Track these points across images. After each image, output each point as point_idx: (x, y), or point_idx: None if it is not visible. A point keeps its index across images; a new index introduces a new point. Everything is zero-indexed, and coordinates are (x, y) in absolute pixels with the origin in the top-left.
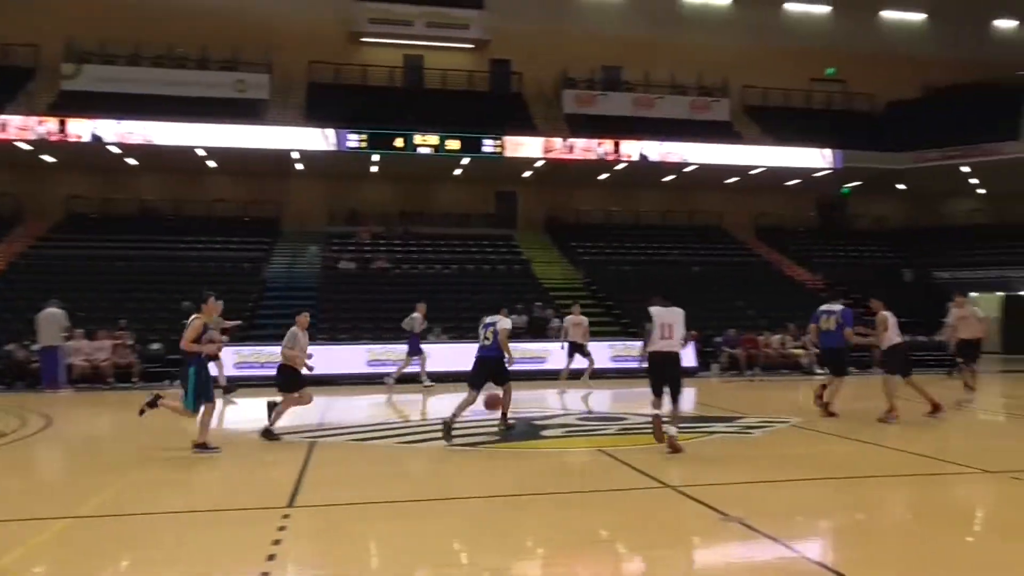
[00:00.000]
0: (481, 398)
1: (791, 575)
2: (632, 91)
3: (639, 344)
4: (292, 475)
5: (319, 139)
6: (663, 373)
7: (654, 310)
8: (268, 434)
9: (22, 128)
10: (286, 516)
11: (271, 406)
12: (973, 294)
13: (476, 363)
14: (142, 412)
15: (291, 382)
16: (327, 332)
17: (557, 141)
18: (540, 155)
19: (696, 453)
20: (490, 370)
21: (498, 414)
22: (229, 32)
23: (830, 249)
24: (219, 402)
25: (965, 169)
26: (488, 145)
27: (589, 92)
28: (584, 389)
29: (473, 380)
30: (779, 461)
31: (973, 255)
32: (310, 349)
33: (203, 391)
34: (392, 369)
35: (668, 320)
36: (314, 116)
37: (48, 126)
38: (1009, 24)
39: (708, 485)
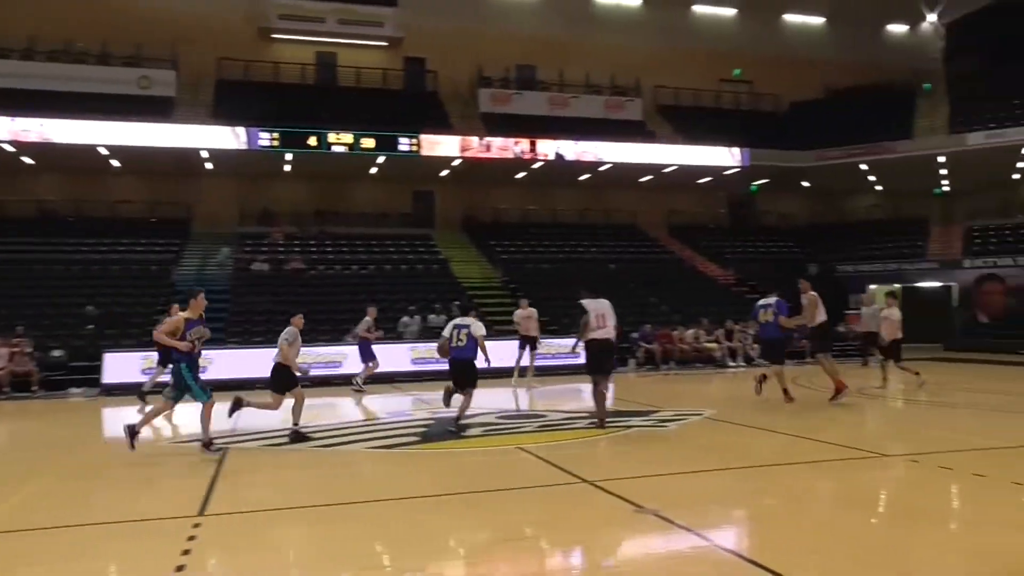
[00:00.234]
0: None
1: (704, 564)
2: (547, 90)
3: (558, 342)
4: (203, 482)
5: (229, 138)
6: (600, 359)
7: (586, 302)
8: (298, 436)
9: None
10: (196, 525)
11: (236, 404)
12: (872, 286)
13: (452, 364)
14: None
15: (284, 382)
16: (240, 335)
17: (474, 140)
18: (457, 154)
19: (614, 447)
20: (463, 370)
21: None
22: (131, 26)
23: (740, 245)
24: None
25: (864, 167)
26: (404, 144)
27: (505, 91)
28: (527, 385)
29: (457, 380)
30: (692, 452)
31: (872, 249)
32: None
33: (195, 386)
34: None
35: (600, 310)
36: (224, 114)
37: None
38: (901, 28)
39: (625, 479)
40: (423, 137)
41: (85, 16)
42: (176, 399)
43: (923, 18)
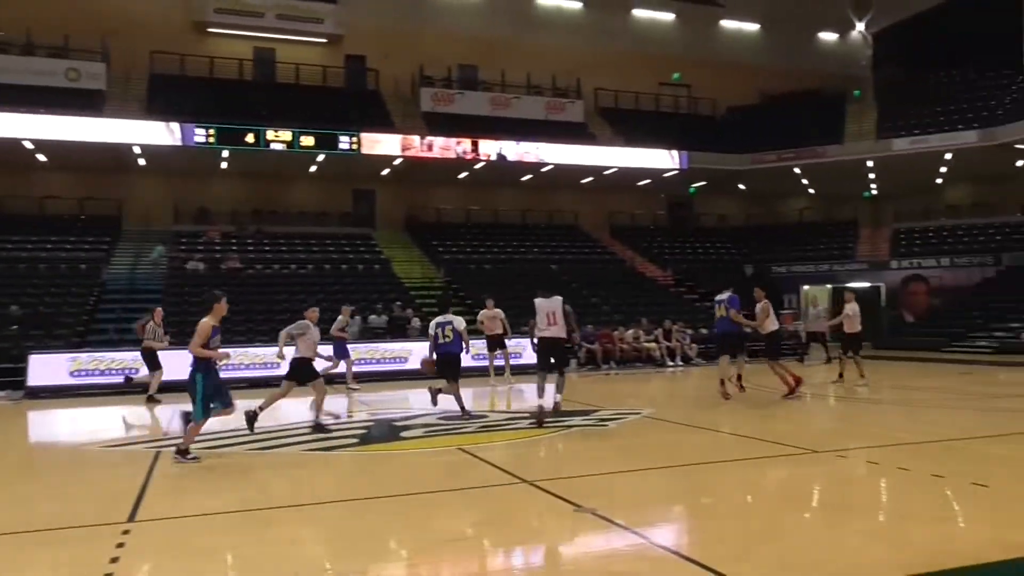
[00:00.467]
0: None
1: (642, 562)
2: (489, 91)
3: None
4: (134, 487)
5: (163, 133)
6: (549, 354)
7: (537, 301)
8: (320, 428)
9: None
10: (126, 532)
11: (250, 417)
12: (806, 287)
13: (439, 358)
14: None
15: (306, 373)
16: (173, 336)
17: (415, 139)
18: (398, 153)
19: (554, 447)
20: (451, 363)
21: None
22: (58, 16)
23: (679, 246)
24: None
25: (797, 171)
26: (344, 142)
27: (446, 91)
28: (506, 384)
29: (446, 374)
30: (631, 451)
31: (805, 250)
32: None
33: (216, 397)
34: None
35: (550, 309)
36: (157, 109)
37: None
38: (832, 36)
39: (564, 478)
40: (363, 135)
41: (8, 4)
42: (227, 404)
43: (852, 27)
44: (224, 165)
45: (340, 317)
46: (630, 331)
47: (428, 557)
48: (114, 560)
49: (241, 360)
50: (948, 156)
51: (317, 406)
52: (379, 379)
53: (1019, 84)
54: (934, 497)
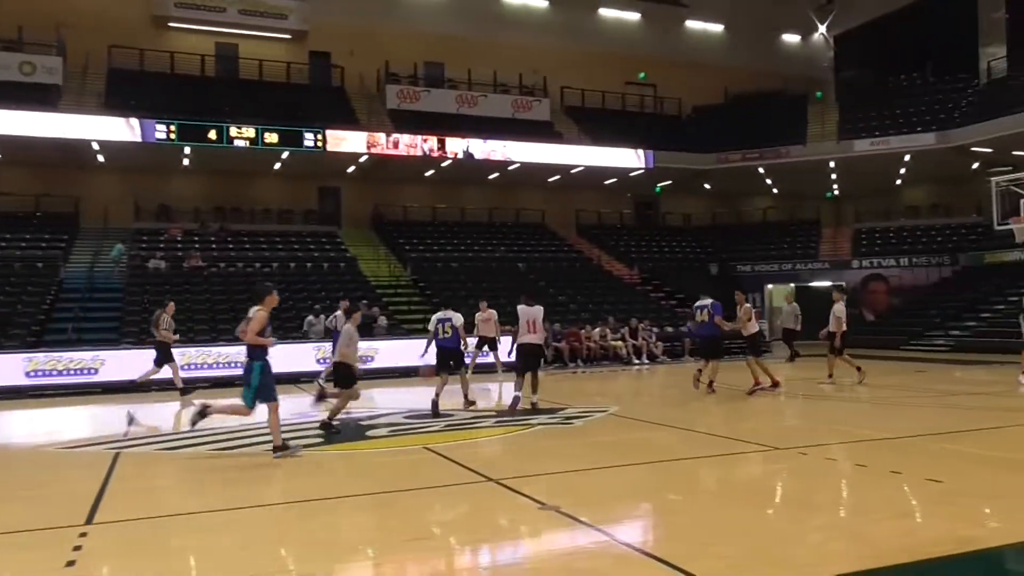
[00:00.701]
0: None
1: (604, 559)
2: (455, 88)
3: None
4: (92, 490)
5: (122, 129)
6: (528, 360)
7: (521, 308)
8: (328, 426)
9: None
10: (83, 535)
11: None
12: (770, 286)
13: (439, 353)
14: (194, 423)
15: (348, 378)
16: (135, 336)
17: (381, 136)
18: (364, 150)
19: (520, 445)
20: (449, 358)
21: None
22: (11, 9)
23: (645, 245)
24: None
25: (761, 170)
26: (309, 139)
27: (412, 88)
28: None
29: (443, 368)
30: (596, 449)
31: (769, 250)
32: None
33: (266, 390)
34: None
35: (532, 316)
36: (116, 104)
37: None
38: (794, 38)
39: (530, 476)
40: (329, 133)
41: None
42: (273, 399)
43: (815, 29)
44: (186, 162)
45: (337, 313)
46: (597, 329)
47: (392, 556)
48: (70, 564)
49: (204, 359)
50: (907, 158)
51: (337, 408)
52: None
53: (975, 88)
54: (891, 493)
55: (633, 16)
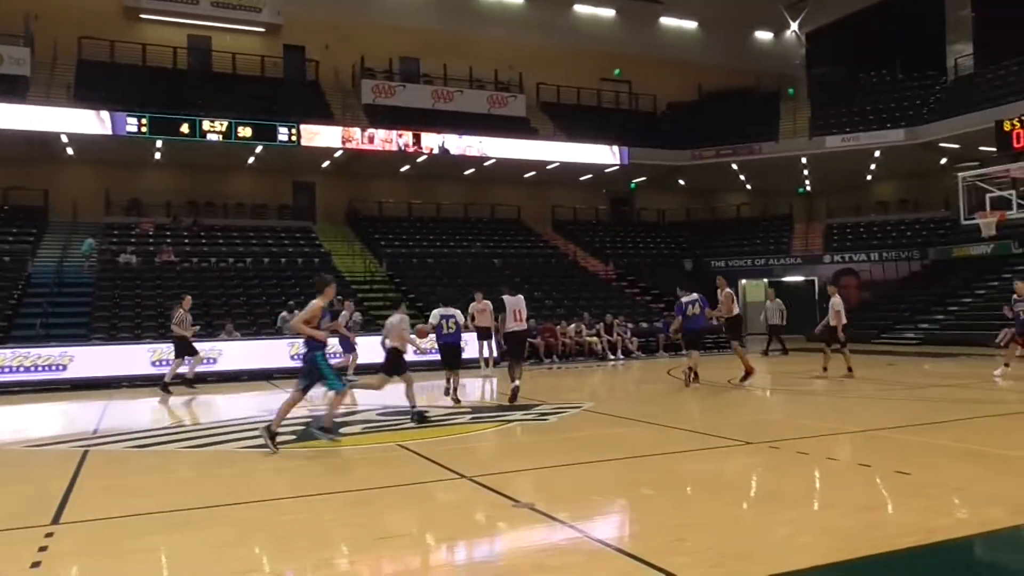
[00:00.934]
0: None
1: (577, 555)
2: (431, 84)
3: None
4: (59, 488)
5: (93, 122)
6: (517, 346)
7: (506, 299)
8: (420, 417)
9: None
10: (49, 535)
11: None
12: (743, 281)
13: (443, 349)
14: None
15: (398, 365)
16: (105, 331)
17: (356, 131)
18: (339, 145)
19: (494, 442)
20: (454, 353)
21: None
22: None
23: (620, 241)
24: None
25: (735, 166)
26: (283, 133)
27: (388, 83)
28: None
29: (449, 363)
30: (571, 445)
31: (743, 245)
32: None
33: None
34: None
35: (517, 306)
36: (86, 97)
37: None
38: (767, 36)
39: (503, 473)
40: (303, 127)
41: None
42: (307, 388)
43: (787, 26)
44: (158, 156)
45: (343, 312)
46: (572, 325)
47: (364, 555)
48: (35, 564)
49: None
50: (877, 154)
51: (409, 396)
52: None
53: (943, 85)
54: (861, 485)
55: (608, 13)
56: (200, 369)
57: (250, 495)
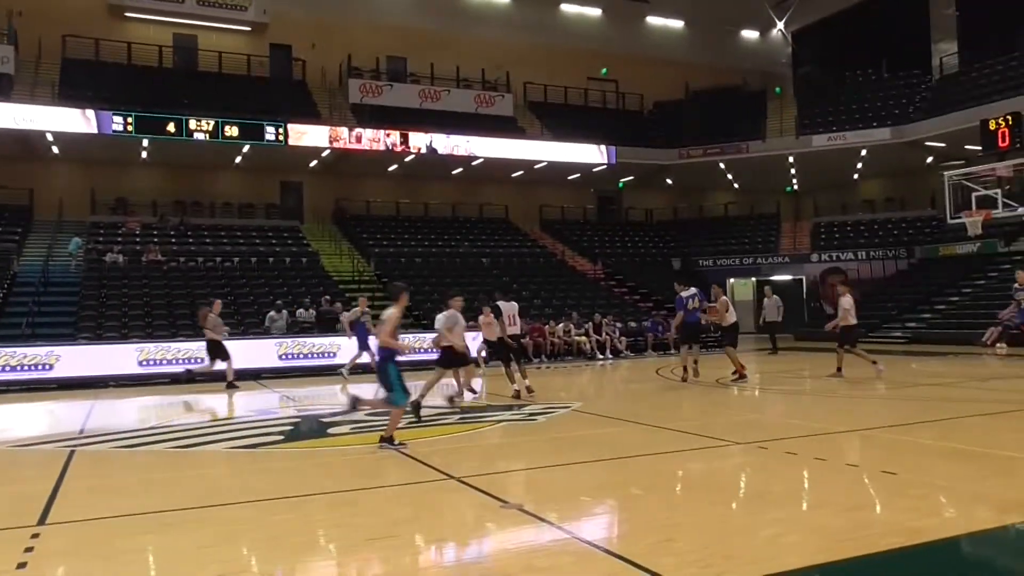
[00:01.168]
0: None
1: (564, 556)
2: (418, 83)
3: (431, 336)
4: (45, 489)
5: (78, 120)
6: (517, 349)
7: (502, 304)
8: (453, 400)
9: None
10: (35, 536)
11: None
12: (731, 280)
13: (445, 350)
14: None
15: (454, 359)
16: (91, 330)
17: (343, 131)
18: (326, 144)
19: (482, 442)
20: (457, 355)
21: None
22: None
23: (608, 240)
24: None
25: (722, 165)
26: (270, 133)
27: (375, 82)
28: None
29: (453, 363)
30: (559, 445)
31: (730, 244)
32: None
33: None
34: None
35: (512, 311)
36: (71, 95)
37: None
38: (753, 35)
39: (492, 474)
40: (290, 127)
41: None
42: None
43: (773, 25)
44: (144, 155)
45: (355, 308)
46: (560, 325)
47: (353, 555)
48: (21, 565)
49: (163, 355)
50: (863, 152)
51: (466, 385)
52: (307, 374)
53: (928, 84)
54: (847, 485)
55: (595, 12)
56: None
57: (239, 495)
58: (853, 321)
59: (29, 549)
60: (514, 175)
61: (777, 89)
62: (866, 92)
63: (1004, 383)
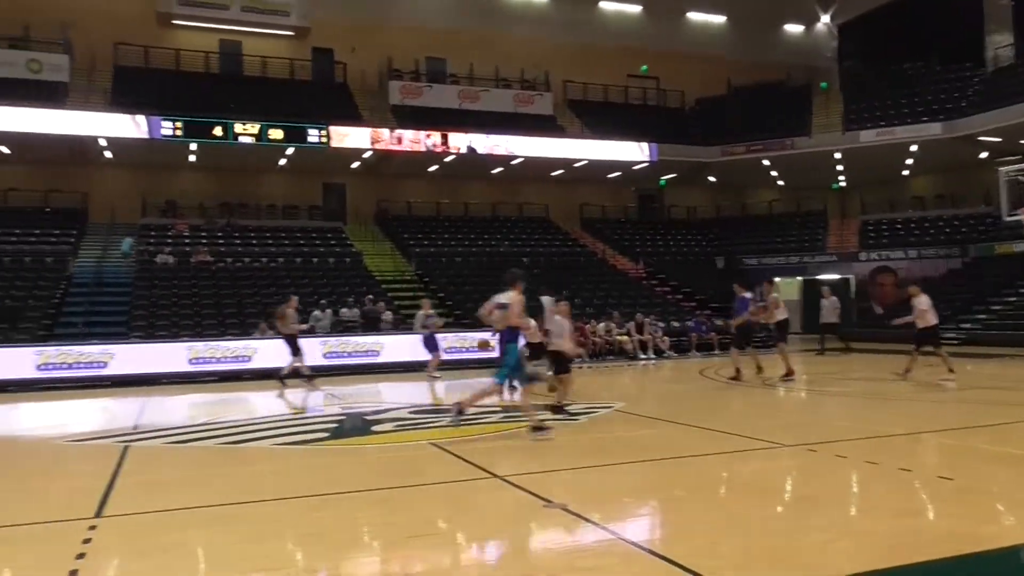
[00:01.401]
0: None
1: (610, 557)
2: (457, 83)
3: (472, 336)
4: (101, 483)
5: (129, 126)
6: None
7: (544, 300)
8: (558, 410)
9: None
10: (92, 528)
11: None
12: (777, 279)
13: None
14: (456, 424)
15: (563, 364)
16: (143, 329)
17: (384, 132)
18: (368, 146)
19: (525, 442)
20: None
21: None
22: (16, 6)
23: (649, 239)
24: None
25: (766, 162)
26: (313, 135)
27: (415, 84)
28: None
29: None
30: (602, 445)
31: (775, 242)
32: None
33: (522, 372)
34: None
35: (550, 313)
36: (122, 101)
37: None
38: (797, 28)
39: (535, 473)
40: (332, 129)
41: None
42: (529, 379)
43: (818, 19)
44: (192, 158)
45: (420, 312)
46: (602, 324)
47: (396, 552)
48: (80, 556)
49: (212, 354)
50: (914, 148)
51: (563, 394)
52: (351, 372)
53: (981, 76)
54: (900, 491)
55: (634, 9)
56: (235, 367)
57: (286, 491)
58: (934, 320)
59: (87, 540)
60: (554, 174)
61: (823, 84)
62: (916, 86)
63: None
